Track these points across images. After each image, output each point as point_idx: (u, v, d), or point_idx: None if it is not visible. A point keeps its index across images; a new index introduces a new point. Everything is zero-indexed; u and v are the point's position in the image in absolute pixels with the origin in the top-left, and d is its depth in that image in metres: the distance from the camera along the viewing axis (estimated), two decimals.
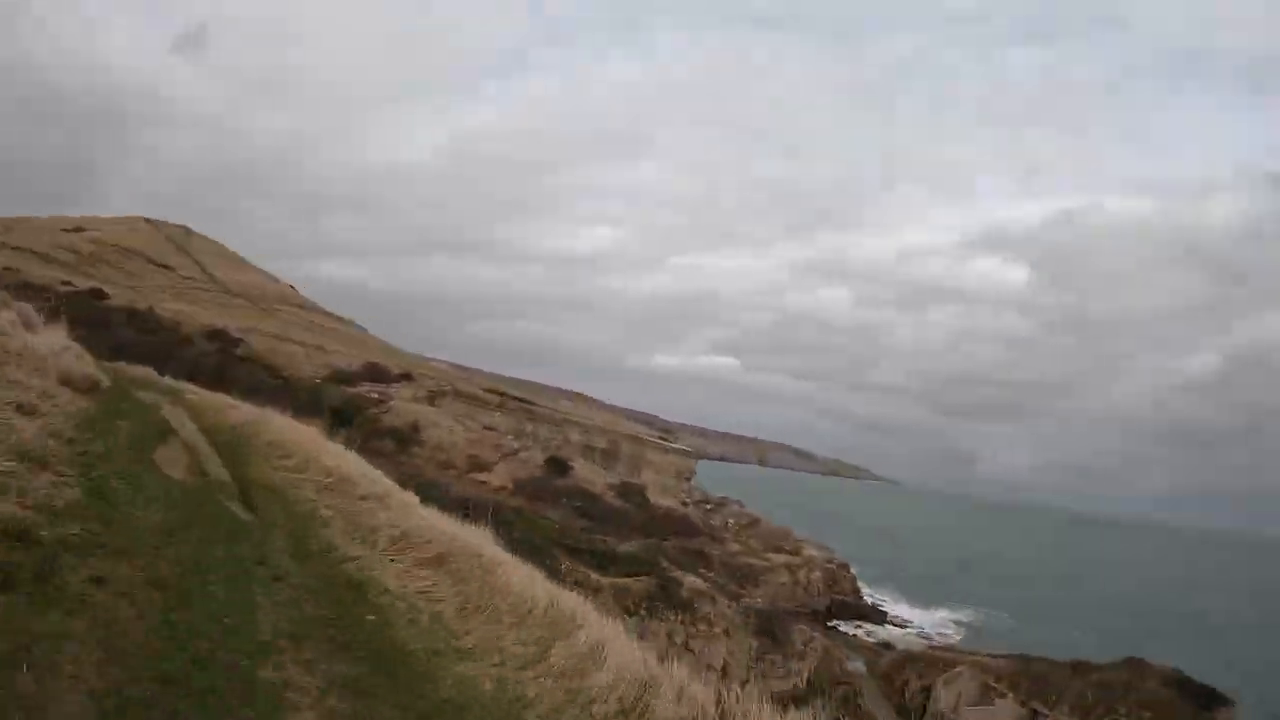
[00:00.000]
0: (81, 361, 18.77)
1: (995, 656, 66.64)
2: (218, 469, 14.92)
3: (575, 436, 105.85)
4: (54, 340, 19.06)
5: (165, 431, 16.53)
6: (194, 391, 31.29)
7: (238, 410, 26.88)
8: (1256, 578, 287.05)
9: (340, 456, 20.30)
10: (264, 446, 20.21)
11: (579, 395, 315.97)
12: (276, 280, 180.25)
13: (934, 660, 65.25)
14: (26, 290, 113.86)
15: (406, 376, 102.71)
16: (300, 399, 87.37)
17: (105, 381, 19.39)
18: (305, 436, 22.14)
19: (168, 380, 33.31)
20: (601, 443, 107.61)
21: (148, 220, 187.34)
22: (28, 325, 19.41)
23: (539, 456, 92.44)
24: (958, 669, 59.99)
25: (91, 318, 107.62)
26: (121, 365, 31.49)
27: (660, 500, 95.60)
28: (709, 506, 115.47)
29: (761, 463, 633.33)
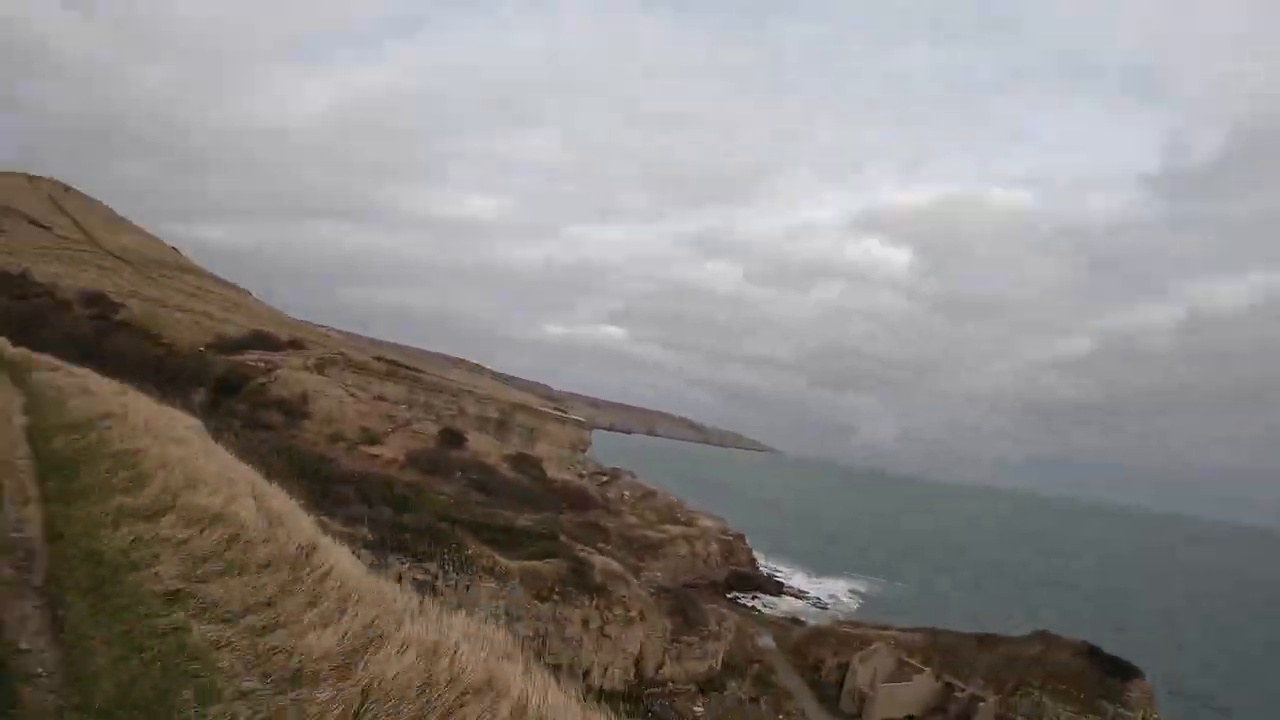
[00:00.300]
0: None
1: (905, 630, 68.78)
2: None
3: (470, 407, 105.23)
4: None
5: None
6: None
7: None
8: (1099, 540, 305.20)
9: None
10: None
11: (466, 363, 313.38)
12: (160, 242, 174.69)
13: (846, 638, 66.71)
14: None
15: (295, 344, 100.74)
16: (183, 369, 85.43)
17: None
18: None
19: None
20: (495, 413, 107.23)
21: (29, 177, 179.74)
22: None
23: (432, 428, 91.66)
24: (874, 646, 61.51)
25: None
26: None
27: (557, 473, 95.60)
28: (604, 478, 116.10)
29: (650, 432, 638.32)
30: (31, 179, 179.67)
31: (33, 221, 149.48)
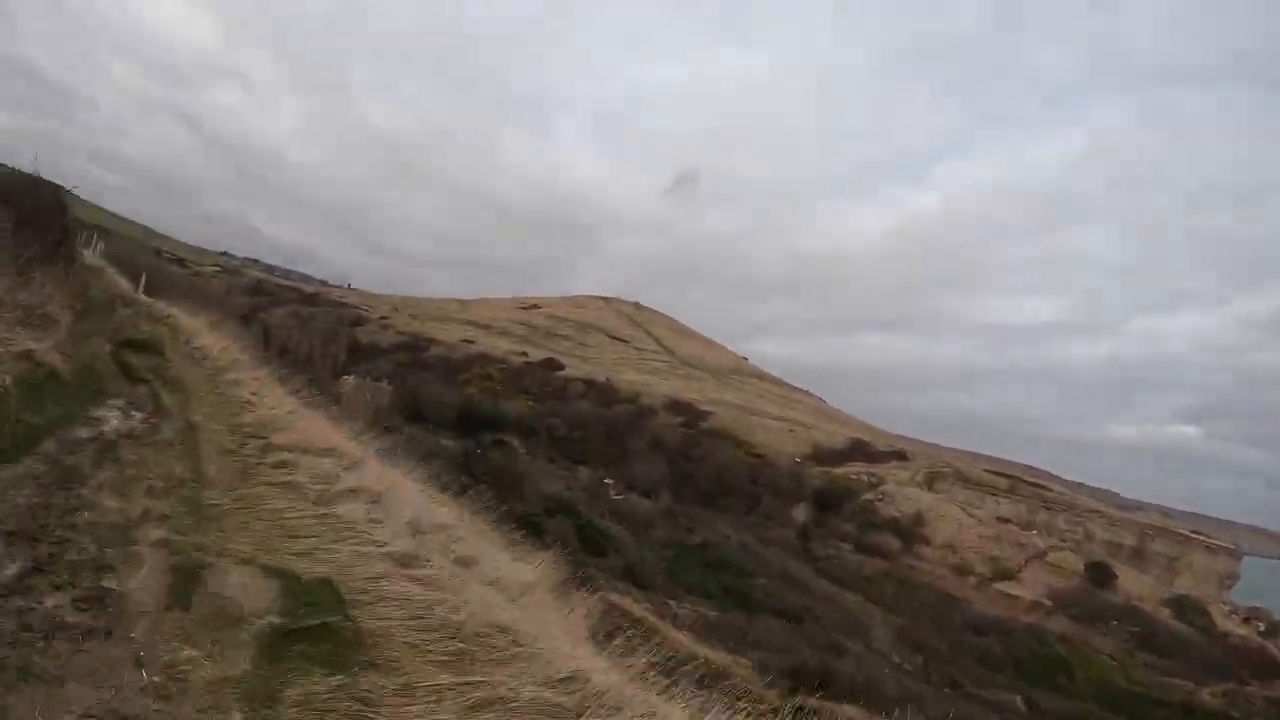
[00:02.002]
0: None
1: None
2: None
3: (1099, 531, 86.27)
4: None
5: None
6: None
7: None
8: None
9: None
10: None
11: (1032, 469, 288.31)
12: (728, 350, 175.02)
13: None
14: (484, 359, 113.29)
15: (899, 455, 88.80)
16: (780, 481, 76.60)
17: None
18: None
19: None
20: (1130, 539, 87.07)
21: (603, 298, 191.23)
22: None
23: (1071, 559, 74.73)
24: None
25: (548, 389, 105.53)
26: None
27: (1224, 624, 74.60)
28: (1260, 627, 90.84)
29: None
30: (607, 300, 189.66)
31: (611, 336, 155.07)
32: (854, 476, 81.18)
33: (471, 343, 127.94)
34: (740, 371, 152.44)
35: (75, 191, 20.20)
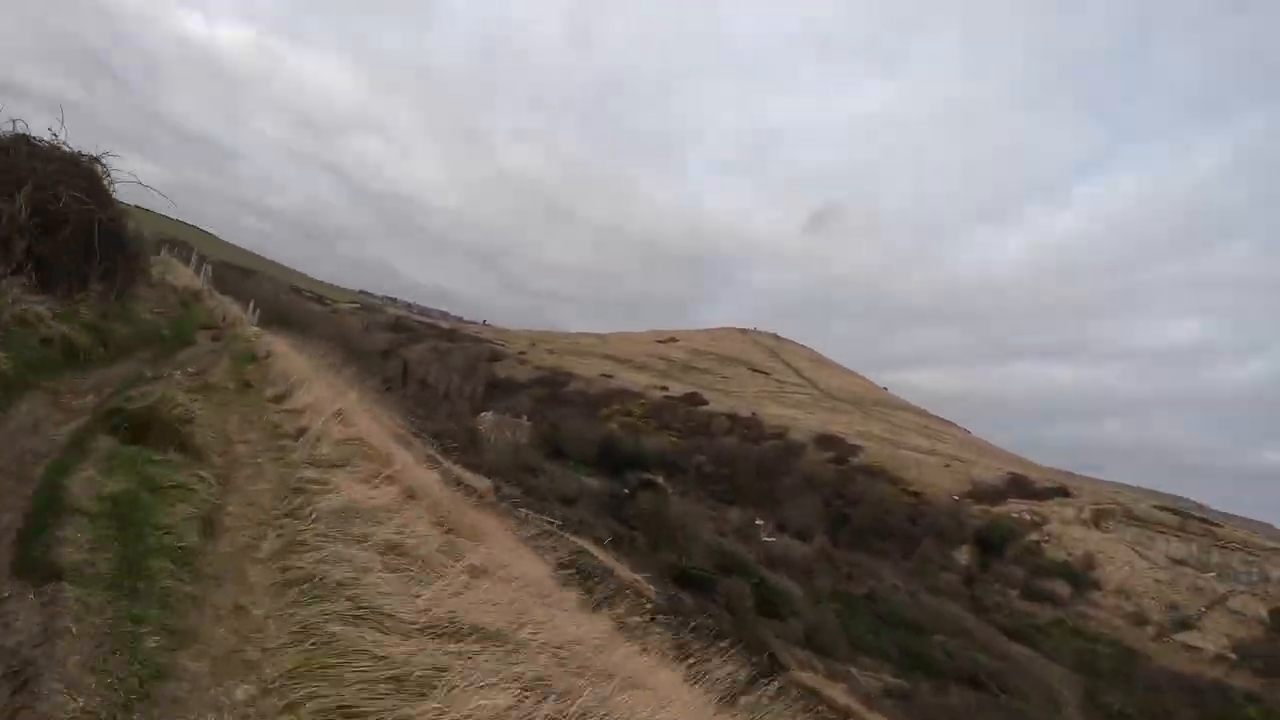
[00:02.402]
0: None
1: None
2: None
3: (1274, 571, 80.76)
4: None
5: None
6: None
7: None
8: None
9: None
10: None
11: (1178, 499, 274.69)
12: (869, 382, 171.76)
13: None
14: (624, 394, 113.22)
15: (1061, 491, 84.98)
16: (939, 521, 74.12)
17: None
18: None
19: None
20: None
21: (741, 331, 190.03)
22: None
23: (1255, 605, 70.27)
24: None
25: (691, 424, 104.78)
26: None
27: None
28: None
29: None
30: (745, 332, 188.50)
31: (752, 368, 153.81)
32: (1015, 515, 78.03)
33: (610, 377, 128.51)
34: (884, 403, 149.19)
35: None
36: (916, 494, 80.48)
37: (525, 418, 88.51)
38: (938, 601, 53.68)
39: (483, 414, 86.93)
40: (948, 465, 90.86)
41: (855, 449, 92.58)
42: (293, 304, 76.82)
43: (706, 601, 30.86)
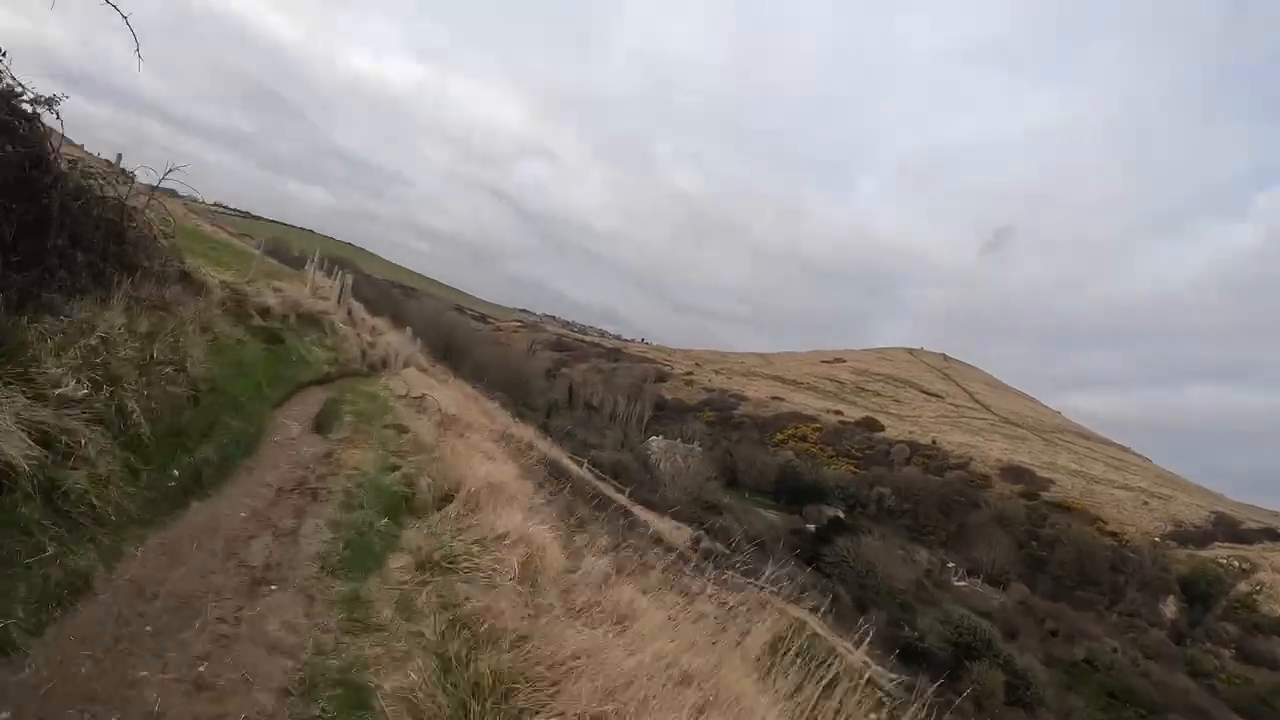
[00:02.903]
0: None
1: None
2: None
3: None
4: None
5: None
6: None
7: None
8: None
9: None
10: None
11: None
12: (1043, 406, 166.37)
13: None
14: (796, 418, 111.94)
15: (1271, 534, 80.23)
16: (1141, 567, 70.78)
17: None
18: None
19: None
20: None
21: (908, 350, 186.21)
22: None
23: None
24: None
25: (869, 452, 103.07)
26: None
27: None
28: None
29: None
30: (913, 352, 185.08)
31: (924, 391, 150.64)
32: (1222, 562, 73.95)
33: (780, 400, 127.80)
34: (1061, 429, 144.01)
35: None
36: (1114, 535, 77.18)
37: (696, 443, 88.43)
38: (1163, 670, 50.89)
39: (651, 438, 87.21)
40: (1146, 503, 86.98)
41: (1046, 483, 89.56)
42: (455, 322, 78.87)
43: (944, 687, 29.44)
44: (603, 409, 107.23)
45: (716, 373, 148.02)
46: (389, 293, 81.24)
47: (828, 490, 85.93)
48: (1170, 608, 66.72)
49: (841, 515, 75.57)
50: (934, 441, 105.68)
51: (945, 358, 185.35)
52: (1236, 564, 73.36)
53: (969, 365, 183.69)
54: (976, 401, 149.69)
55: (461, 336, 66.63)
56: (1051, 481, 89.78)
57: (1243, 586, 69.51)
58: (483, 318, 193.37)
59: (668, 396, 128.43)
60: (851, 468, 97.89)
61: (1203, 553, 75.34)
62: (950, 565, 70.43)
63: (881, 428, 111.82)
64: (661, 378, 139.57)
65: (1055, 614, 58.32)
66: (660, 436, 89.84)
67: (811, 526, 71.47)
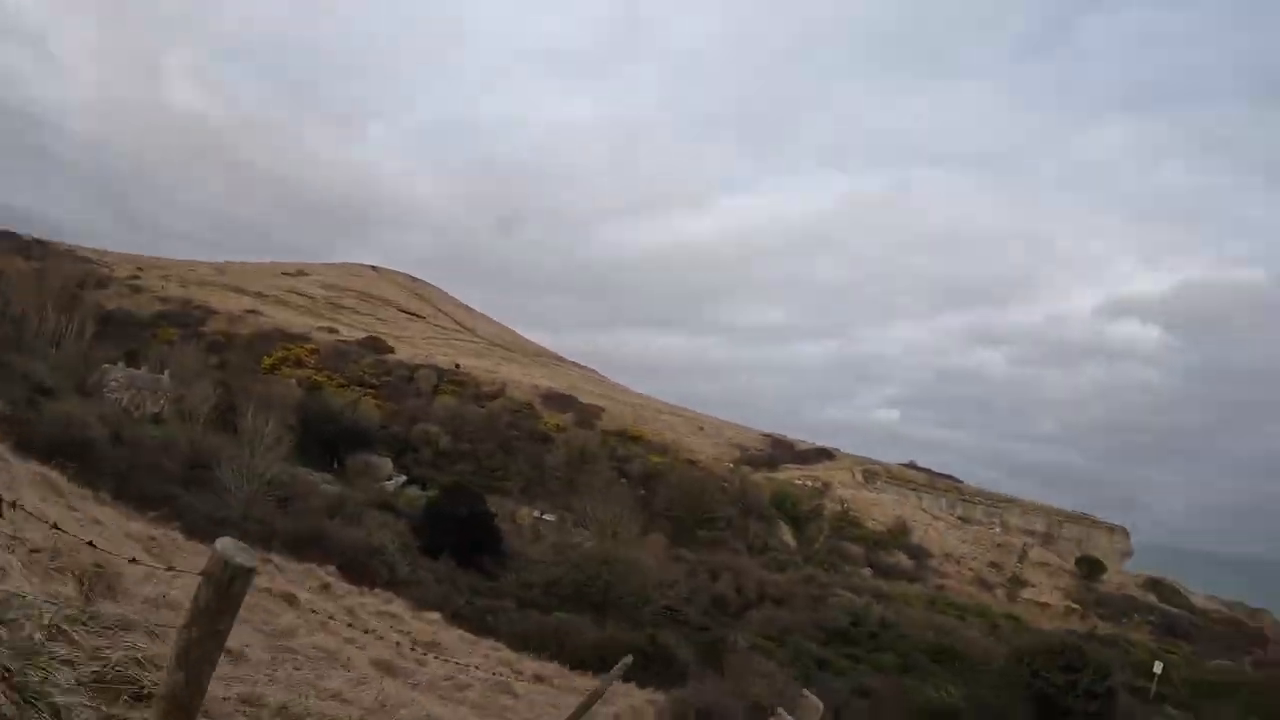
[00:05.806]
0: None
1: None
2: None
3: (1014, 519, 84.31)
4: None
5: None
6: None
7: None
8: None
9: None
10: None
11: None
12: (519, 334, 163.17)
13: None
14: (283, 336, 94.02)
15: (824, 454, 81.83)
16: (745, 498, 67.53)
17: None
18: None
19: None
20: (1041, 525, 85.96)
21: (372, 267, 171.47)
22: None
23: (1051, 557, 73.14)
24: None
25: (386, 379, 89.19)
26: None
27: (1202, 603, 75.38)
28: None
29: None
30: (377, 269, 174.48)
31: (403, 310, 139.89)
32: (798, 482, 73.48)
33: (257, 313, 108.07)
34: (543, 354, 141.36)
35: None
36: (699, 465, 73.45)
37: (166, 373, 66.82)
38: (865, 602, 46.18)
39: (106, 367, 63.94)
40: (701, 428, 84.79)
41: (598, 410, 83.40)
42: None
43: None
44: (31, 322, 77.74)
45: (165, 279, 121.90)
46: None
47: (369, 433, 71.34)
48: (786, 534, 64.37)
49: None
50: (458, 366, 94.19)
51: (413, 278, 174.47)
52: (809, 484, 73.55)
53: (440, 289, 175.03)
54: (458, 324, 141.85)
55: None
56: (602, 409, 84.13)
57: (830, 505, 69.50)
58: None
59: (112, 307, 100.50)
60: (377, 402, 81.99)
61: (778, 475, 74.66)
62: (544, 515, 60.93)
63: (390, 349, 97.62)
64: (101, 283, 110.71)
65: (711, 564, 51.72)
66: (121, 364, 65.81)
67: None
